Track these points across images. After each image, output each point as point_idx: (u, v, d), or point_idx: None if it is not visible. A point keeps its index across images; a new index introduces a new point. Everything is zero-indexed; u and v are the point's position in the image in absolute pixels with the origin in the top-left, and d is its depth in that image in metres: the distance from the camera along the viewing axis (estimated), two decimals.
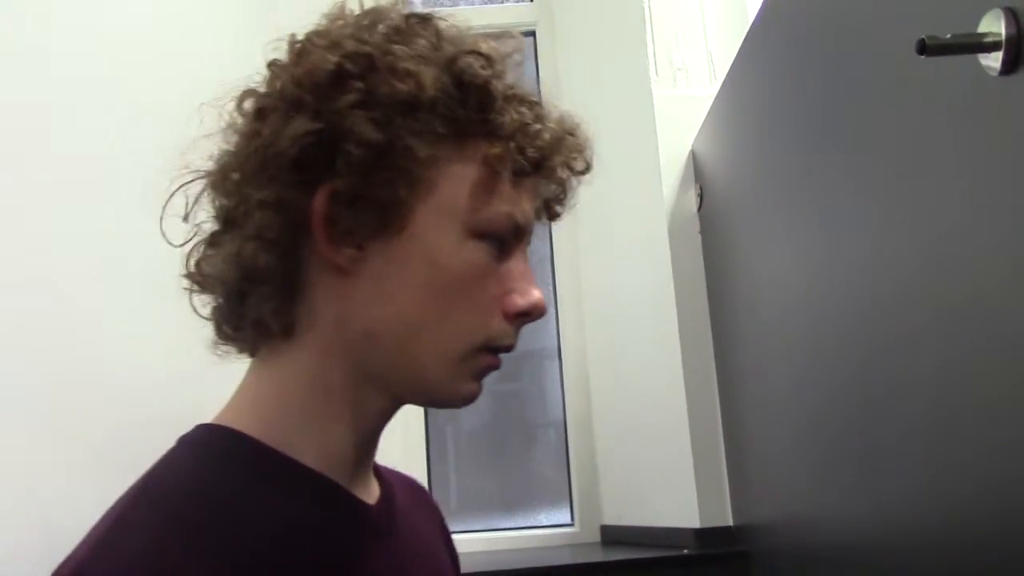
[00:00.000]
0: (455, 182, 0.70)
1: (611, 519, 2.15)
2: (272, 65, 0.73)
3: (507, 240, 0.73)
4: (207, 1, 1.98)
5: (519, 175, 0.72)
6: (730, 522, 1.79)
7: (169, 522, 0.62)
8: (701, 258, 1.88)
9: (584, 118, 0.80)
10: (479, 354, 0.73)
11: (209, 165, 0.74)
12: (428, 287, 0.70)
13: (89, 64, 1.55)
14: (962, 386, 0.79)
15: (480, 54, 0.72)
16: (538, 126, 0.73)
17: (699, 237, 1.88)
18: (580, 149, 0.79)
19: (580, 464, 2.22)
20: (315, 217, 0.68)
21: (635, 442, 2.04)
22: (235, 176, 0.71)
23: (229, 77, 0.75)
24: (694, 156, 1.88)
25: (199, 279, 0.75)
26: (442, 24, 0.75)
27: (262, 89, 0.73)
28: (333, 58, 0.68)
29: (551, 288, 2.30)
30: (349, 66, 0.68)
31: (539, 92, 0.78)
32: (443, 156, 0.70)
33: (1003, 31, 0.67)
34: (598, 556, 1.98)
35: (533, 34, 2.44)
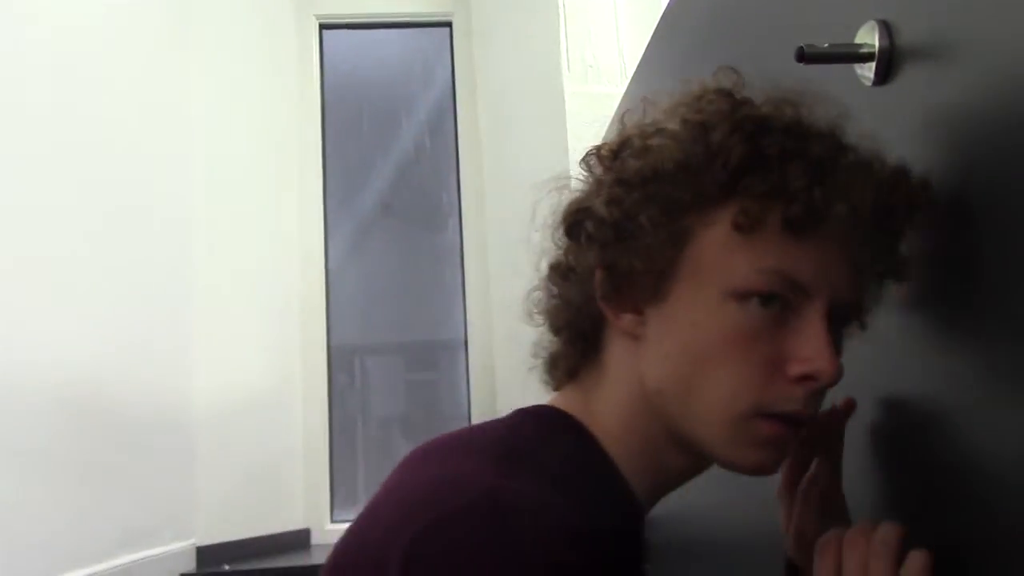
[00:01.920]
0: (710, 243, 0.69)
1: None
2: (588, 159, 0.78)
3: (787, 298, 0.68)
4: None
5: (793, 229, 0.67)
6: None
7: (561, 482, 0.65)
8: None
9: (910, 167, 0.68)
10: (756, 420, 0.68)
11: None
12: (692, 349, 0.69)
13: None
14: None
15: (753, 119, 0.69)
16: (809, 178, 0.67)
17: None
18: (885, 195, 0.67)
19: None
20: (597, 287, 0.72)
21: None
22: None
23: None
24: None
25: (538, 314, 0.82)
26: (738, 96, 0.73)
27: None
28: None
29: (460, 278, 2.31)
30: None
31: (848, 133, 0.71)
32: (701, 220, 0.69)
33: (876, 43, 0.70)
34: None
35: (449, 25, 2.44)
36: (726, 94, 0.73)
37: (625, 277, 0.71)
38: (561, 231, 0.76)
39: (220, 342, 1.94)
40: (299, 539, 2.10)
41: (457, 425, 2.30)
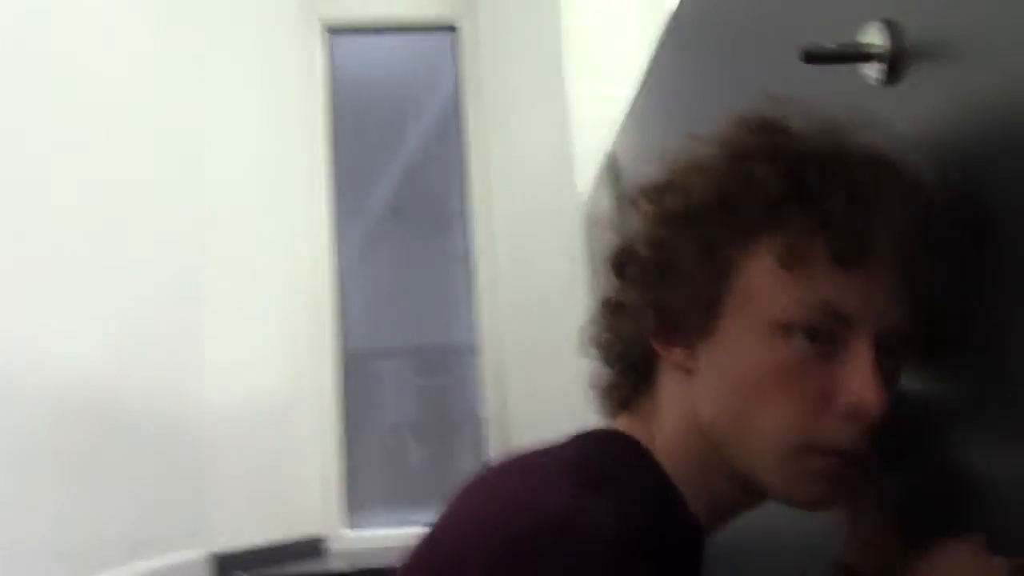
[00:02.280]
0: (755, 276, 0.69)
1: None
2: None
3: (832, 331, 0.67)
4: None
5: (839, 262, 0.66)
6: None
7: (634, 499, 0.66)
8: None
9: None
10: (809, 455, 0.68)
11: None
12: (740, 383, 0.70)
13: None
14: None
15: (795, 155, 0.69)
16: (852, 207, 0.66)
17: (614, 232, 1.90)
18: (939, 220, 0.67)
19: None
20: (647, 324, 0.73)
21: (553, 435, 2.05)
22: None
23: None
24: (611, 153, 1.90)
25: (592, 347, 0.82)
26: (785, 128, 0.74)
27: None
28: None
29: (470, 282, 2.31)
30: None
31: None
32: (743, 254, 0.69)
33: (882, 42, 0.69)
34: None
35: (455, 30, 2.44)
36: (767, 126, 0.73)
37: (673, 314, 0.72)
38: (609, 271, 0.77)
39: (232, 349, 1.95)
40: (313, 545, 2.10)
41: (470, 430, 2.31)
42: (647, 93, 1.60)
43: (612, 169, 1.90)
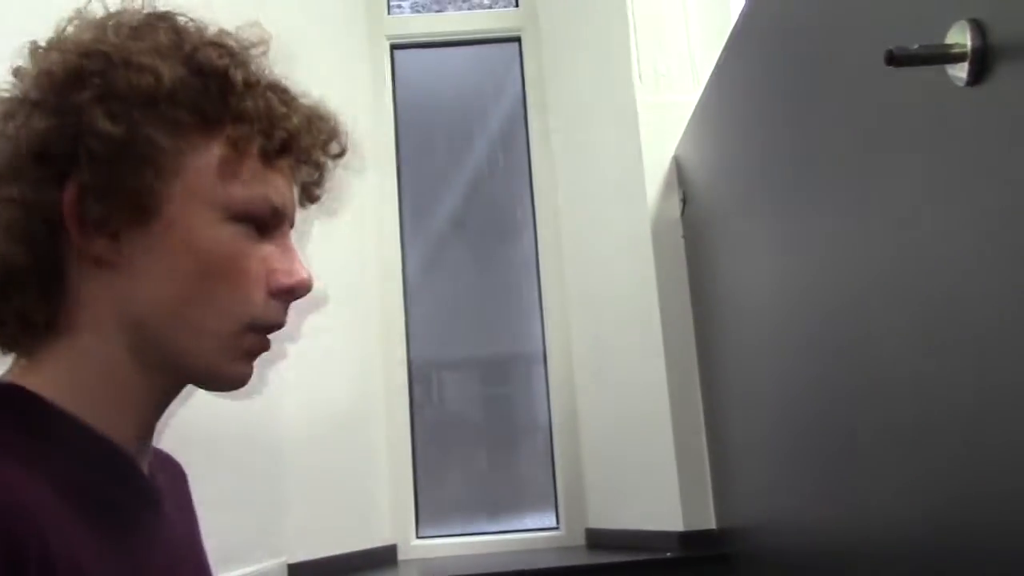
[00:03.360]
0: (205, 168, 0.74)
1: (596, 522, 2.16)
2: (17, 72, 0.75)
3: (267, 221, 0.76)
4: None
5: (269, 156, 0.75)
6: (713, 525, 1.80)
7: None
8: (684, 262, 1.89)
9: (332, 106, 0.86)
10: (247, 334, 0.75)
11: None
12: (189, 271, 0.72)
13: None
14: (943, 388, 0.80)
15: (218, 44, 0.76)
16: (284, 110, 0.76)
17: (682, 241, 1.89)
18: (333, 133, 0.84)
19: (565, 467, 2.23)
20: (66, 209, 0.70)
21: (620, 445, 2.05)
22: None
23: None
24: (677, 161, 1.90)
25: None
26: (181, 20, 0.78)
27: (8, 95, 0.75)
28: (70, 57, 0.71)
29: (536, 292, 2.31)
30: (85, 63, 0.71)
31: (286, 81, 0.82)
32: (190, 144, 0.73)
33: (969, 42, 0.68)
34: (583, 559, 1.99)
35: (519, 40, 2.45)
36: (173, 20, 0.77)
37: (101, 199, 0.70)
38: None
39: (306, 361, 1.97)
40: (386, 555, 2.12)
41: (538, 439, 2.32)
42: (713, 98, 1.59)
43: (678, 175, 1.89)
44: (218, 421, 1.74)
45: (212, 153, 0.73)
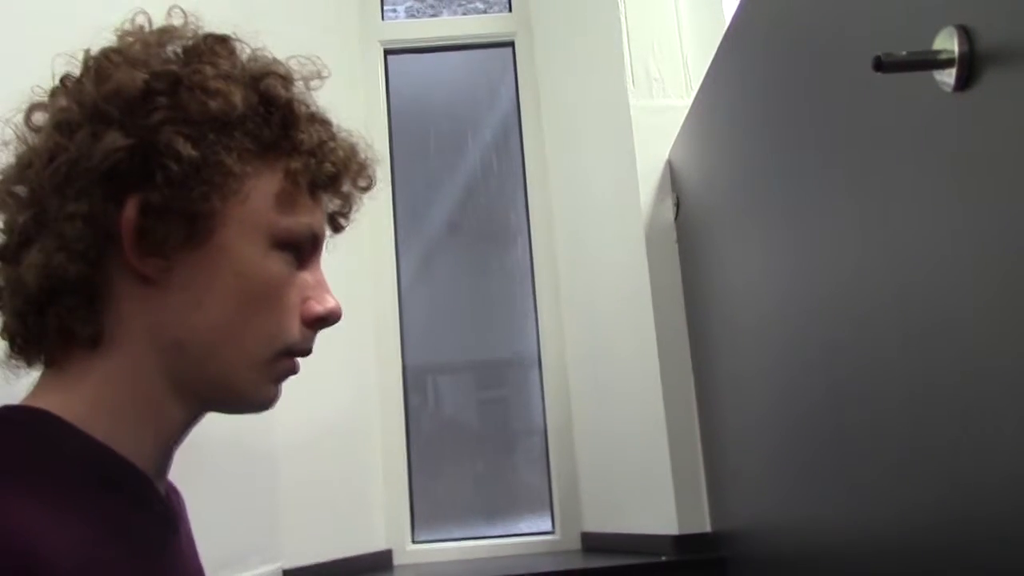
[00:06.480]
0: (261, 195, 0.75)
1: (591, 526, 2.16)
2: (66, 80, 0.75)
3: (306, 250, 0.79)
4: None
5: (317, 188, 0.78)
6: (708, 529, 1.81)
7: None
8: (678, 266, 1.89)
9: (368, 142, 0.88)
10: (281, 359, 0.79)
11: None
12: (235, 296, 0.73)
13: None
14: (937, 394, 0.81)
15: (281, 75, 0.78)
16: (332, 144, 0.79)
17: (676, 246, 1.89)
18: (367, 167, 0.87)
19: (561, 471, 2.23)
20: (125, 228, 0.70)
21: (614, 450, 2.05)
22: (25, 189, 0.72)
23: None
24: (670, 165, 1.90)
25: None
26: (239, 45, 0.79)
27: (58, 103, 0.74)
28: (141, 75, 0.71)
29: (531, 296, 2.31)
30: (156, 84, 0.72)
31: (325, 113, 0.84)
32: (251, 170, 0.74)
33: (956, 48, 0.69)
34: (579, 563, 1.99)
35: (512, 45, 2.46)
36: (232, 45, 0.78)
37: (161, 219, 0.71)
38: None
39: (301, 365, 1.97)
40: (382, 560, 2.12)
41: (533, 443, 2.32)
42: (707, 102, 1.60)
43: (672, 180, 1.89)
44: (213, 426, 1.73)
45: (271, 181, 0.75)
